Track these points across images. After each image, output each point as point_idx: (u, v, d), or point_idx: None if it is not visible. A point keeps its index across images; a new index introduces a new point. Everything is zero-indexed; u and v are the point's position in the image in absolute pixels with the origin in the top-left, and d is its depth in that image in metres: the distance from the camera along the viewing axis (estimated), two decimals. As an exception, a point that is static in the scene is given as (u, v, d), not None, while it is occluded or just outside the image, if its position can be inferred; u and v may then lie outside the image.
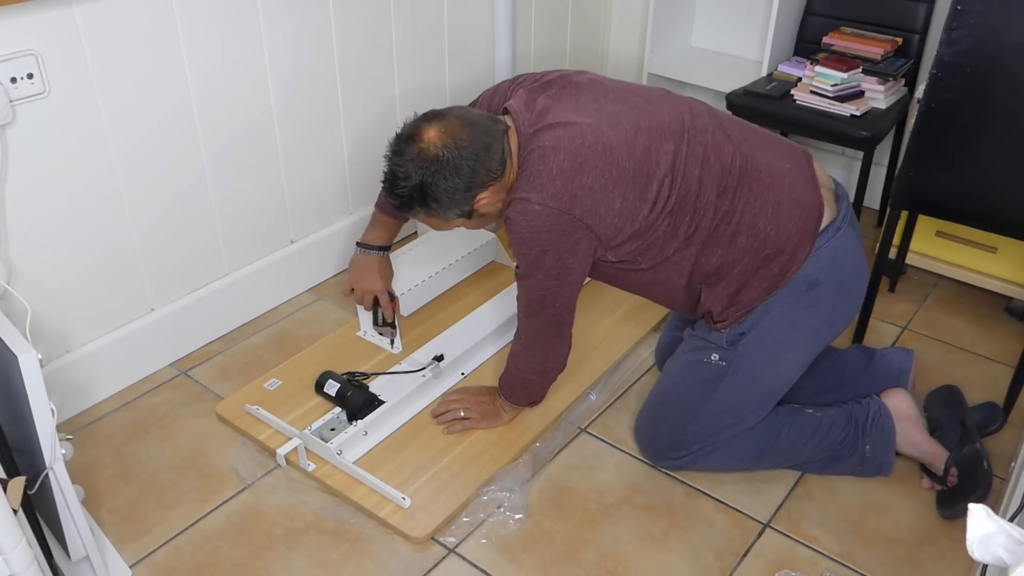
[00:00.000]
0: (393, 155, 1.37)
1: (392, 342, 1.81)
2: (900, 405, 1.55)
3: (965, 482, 1.49)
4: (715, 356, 1.45)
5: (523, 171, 1.34)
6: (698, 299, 1.45)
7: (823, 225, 1.39)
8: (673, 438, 1.52)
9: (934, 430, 1.59)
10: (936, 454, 1.53)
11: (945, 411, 1.64)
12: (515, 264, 1.42)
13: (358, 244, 1.78)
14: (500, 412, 1.62)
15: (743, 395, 1.47)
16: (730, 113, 1.50)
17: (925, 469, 1.56)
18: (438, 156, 1.32)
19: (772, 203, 1.37)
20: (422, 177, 1.33)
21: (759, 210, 1.37)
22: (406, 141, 1.35)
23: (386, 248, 1.78)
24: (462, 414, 1.62)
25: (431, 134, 1.33)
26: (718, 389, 1.46)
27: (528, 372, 1.55)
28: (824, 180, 1.45)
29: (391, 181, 1.37)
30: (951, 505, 1.49)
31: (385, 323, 1.80)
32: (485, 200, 1.37)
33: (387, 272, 1.79)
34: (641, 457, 1.61)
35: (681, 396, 1.51)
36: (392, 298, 1.79)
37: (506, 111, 1.42)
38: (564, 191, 1.30)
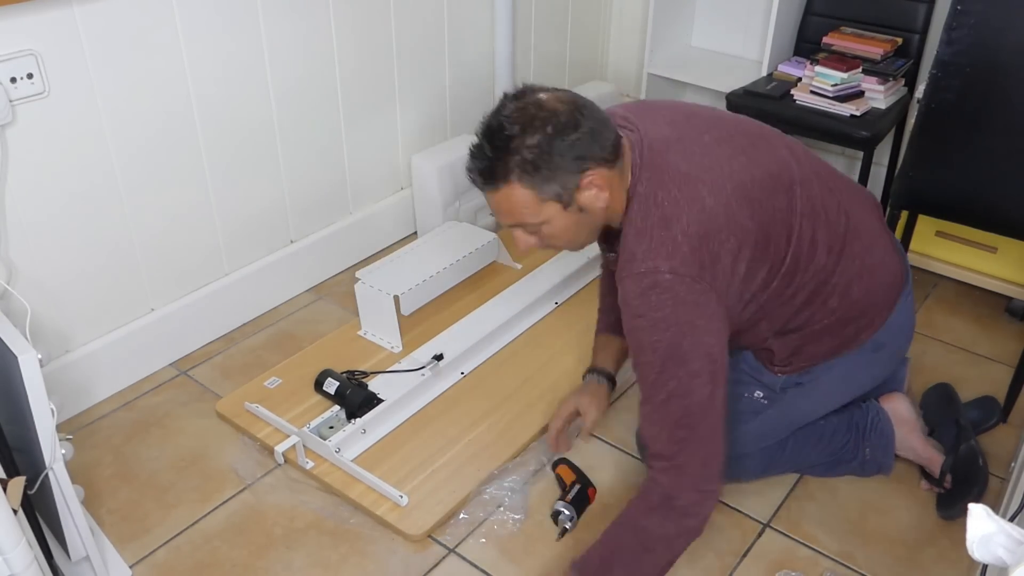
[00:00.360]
0: (498, 110, 1.15)
1: (561, 530, 1.43)
2: (899, 409, 1.55)
3: (962, 482, 1.49)
4: (759, 393, 1.41)
5: (634, 231, 1.16)
6: (763, 344, 1.37)
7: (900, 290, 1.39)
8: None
9: (932, 431, 1.59)
10: (932, 459, 1.52)
11: (939, 411, 1.64)
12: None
13: (588, 371, 1.60)
14: None
15: (771, 431, 1.46)
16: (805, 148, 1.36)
17: (924, 471, 1.56)
18: (555, 109, 1.12)
19: (868, 267, 1.31)
20: (533, 127, 1.10)
21: (855, 273, 1.30)
22: (516, 97, 1.15)
23: (612, 378, 1.57)
24: None
25: (546, 94, 1.14)
26: (748, 423, 1.42)
27: (683, 546, 1.22)
28: (894, 240, 1.44)
29: (491, 133, 1.13)
30: (950, 506, 1.49)
31: (567, 497, 1.47)
32: (593, 181, 1.14)
33: (603, 403, 1.56)
34: (639, 456, 1.61)
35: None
36: (588, 484, 1.51)
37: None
38: (692, 259, 1.12)
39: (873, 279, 1.33)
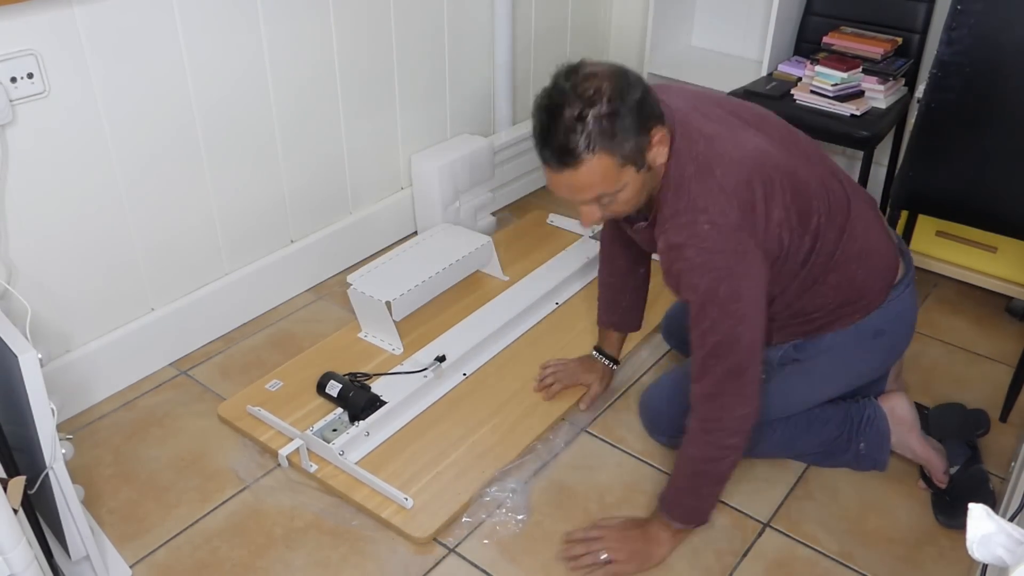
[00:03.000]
0: (554, 87, 1.15)
1: None
2: (897, 408, 1.55)
3: (967, 496, 1.47)
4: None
5: (675, 184, 1.21)
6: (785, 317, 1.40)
7: (897, 278, 1.41)
8: (678, 420, 1.45)
9: (940, 440, 1.58)
10: (930, 459, 1.52)
11: (956, 429, 1.61)
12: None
13: (596, 350, 1.73)
14: (653, 547, 1.38)
15: (764, 408, 1.43)
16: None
17: (923, 471, 1.56)
18: (610, 77, 1.13)
19: (866, 250, 1.35)
20: (599, 99, 1.11)
21: (855, 253, 1.33)
22: (567, 75, 1.15)
23: (615, 361, 1.73)
24: (604, 556, 1.37)
25: (591, 66, 1.15)
26: None
27: (701, 460, 1.32)
28: (891, 232, 1.46)
29: (558, 111, 1.13)
30: (952, 515, 1.48)
31: None
32: (659, 137, 1.18)
33: (605, 380, 1.72)
34: (639, 456, 1.61)
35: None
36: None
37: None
38: (730, 206, 1.18)
39: (870, 262, 1.36)
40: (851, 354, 1.43)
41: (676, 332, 1.81)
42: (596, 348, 1.74)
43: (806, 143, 1.36)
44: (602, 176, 1.16)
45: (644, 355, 1.88)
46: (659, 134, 1.19)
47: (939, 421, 1.64)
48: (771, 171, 1.23)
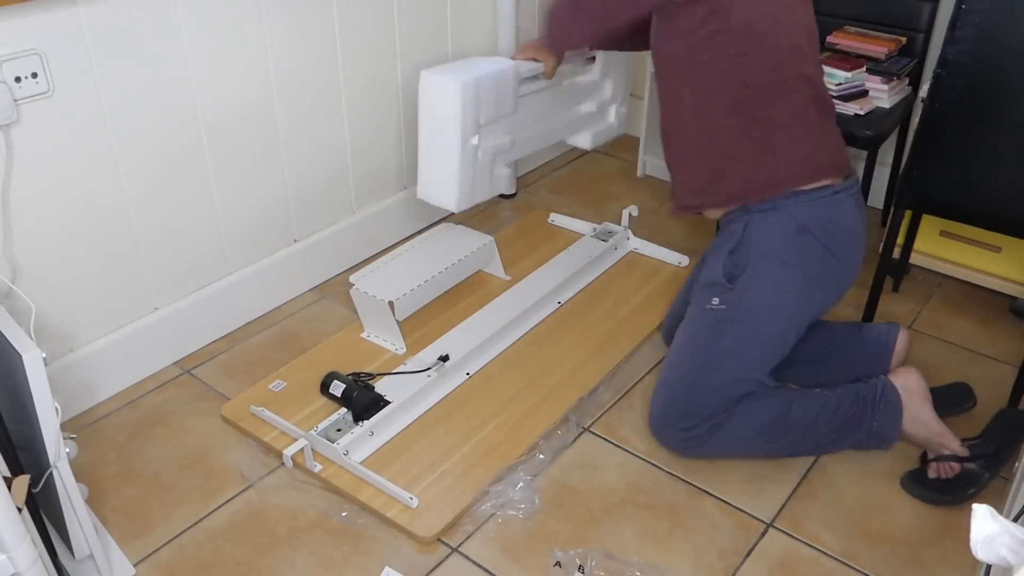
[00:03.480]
0: None
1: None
2: (909, 382, 1.56)
3: (954, 483, 1.52)
4: (715, 300, 1.50)
5: None
6: (686, 157, 1.53)
7: (827, 181, 1.48)
8: (686, 404, 1.51)
9: (981, 435, 1.57)
10: (945, 435, 1.53)
11: (999, 432, 1.59)
12: None
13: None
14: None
15: (746, 339, 1.50)
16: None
17: (925, 454, 1.57)
18: None
19: (810, 120, 1.46)
20: None
21: (798, 112, 1.46)
22: None
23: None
24: None
25: None
26: (723, 336, 1.50)
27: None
28: (841, 146, 1.55)
29: None
30: (918, 485, 1.53)
31: None
32: None
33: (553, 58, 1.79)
34: (642, 456, 1.61)
35: (689, 352, 1.54)
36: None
37: None
38: None
39: (809, 136, 1.47)
40: (784, 252, 1.48)
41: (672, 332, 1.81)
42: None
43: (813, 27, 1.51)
44: None
45: (647, 354, 1.88)
46: None
47: (996, 423, 1.64)
48: None
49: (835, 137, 1.55)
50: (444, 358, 1.73)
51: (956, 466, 1.52)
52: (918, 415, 1.54)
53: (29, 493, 1.11)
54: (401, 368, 1.73)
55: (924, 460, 1.57)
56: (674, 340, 1.61)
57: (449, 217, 2.39)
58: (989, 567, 0.95)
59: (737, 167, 1.50)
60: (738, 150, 1.49)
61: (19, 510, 1.05)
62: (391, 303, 1.79)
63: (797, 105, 1.46)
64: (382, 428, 1.60)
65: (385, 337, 1.86)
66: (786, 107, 1.45)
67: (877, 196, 2.39)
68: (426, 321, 1.91)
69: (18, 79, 1.40)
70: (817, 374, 1.66)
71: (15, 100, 1.40)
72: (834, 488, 1.54)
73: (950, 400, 1.68)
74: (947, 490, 1.51)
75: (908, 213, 1.98)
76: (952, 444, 1.52)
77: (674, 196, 1.64)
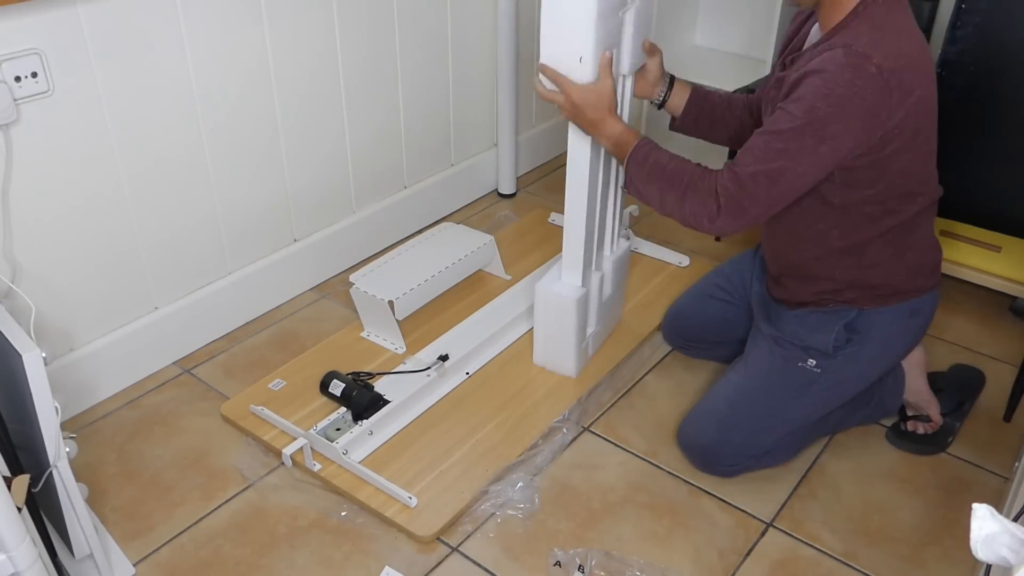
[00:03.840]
0: None
1: None
2: (913, 353, 1.60)
3: (927, 436, 1.62)
4: (812, 362, 1.45)
5: (860, 21, 1.22)
6: (827, 261, 1.42)
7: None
8: (739, 446, 1.49)
9: (938, 391, 1.67)
10: (931, 403, 1.63)
11: (957, 385, 1.72)
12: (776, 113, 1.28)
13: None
14: (600, 121, 1.41)
15: (824, 404, 1.49)
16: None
17: (904, 413, 1.65)
18: None
19: (926, 231, 1.45)
20: None
21: (922, 224, 1.42)
22: None
23: (667, 93, 1.58)
24: (562, 98, 1.43)
25: None
26: (804, 397, 1.47)
27: (668, 203, 1.36)
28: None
29: None
30: (902, 439, 1.62)
31: None
32: None
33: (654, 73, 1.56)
34: (642, 455, 1.61)
35: (761, 402, 1.48)
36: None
37: None
38: (899, 71, 1.20)
39: (928, 240, 1.45)
40: (891, 336, 1.47)
41: (680, 331, 1.81)
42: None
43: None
44: None
45: (647, 353, 1.88)
46: None
47: (950, 376, 1.75)
48: (929, 91, 1.28)
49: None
50: (444, 357, 1.73)
51: (935, 424, 1.62)
52: (915, 386, 1.61)
53: (29, 493, 1.11)
54: (401, 367, 1.73)
55: (903, 415, 1.66)
56: (735, 375, 1.55)
57: (449, 216, 2.39)
58: (989, 567, 0.95)
59: (889, 266, 1.43)
60: (883, 257, 1.42)
61: (19, 510, 1.05)
62: (391, 302, 1.79)
63: (925, 206, 1.42)
64: (381, 427, 1.60)
65: (385, 336, 1.86)
66: (917, 210, 1.40)
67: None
68: (426, 320, 1.91)
69: (18, 79, 1.40)
70: None
71: (15, 100, 1.40)
72: (834, 488, 1.54)
73: (966, 386, 1.74)
74: (930, 441, 1.62)
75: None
76: (934, 413, 1.62)
77: (787, 293, 1.53)
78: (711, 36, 2.62)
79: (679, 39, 2.61)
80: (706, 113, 1.59)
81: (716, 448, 1.51)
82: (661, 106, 1.60)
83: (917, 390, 1.63)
